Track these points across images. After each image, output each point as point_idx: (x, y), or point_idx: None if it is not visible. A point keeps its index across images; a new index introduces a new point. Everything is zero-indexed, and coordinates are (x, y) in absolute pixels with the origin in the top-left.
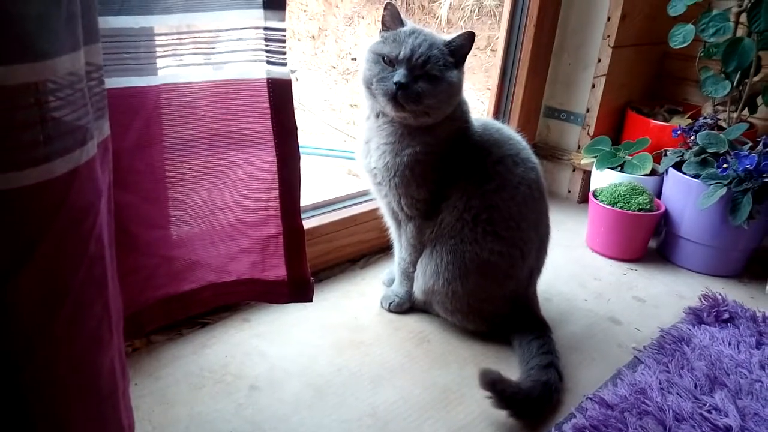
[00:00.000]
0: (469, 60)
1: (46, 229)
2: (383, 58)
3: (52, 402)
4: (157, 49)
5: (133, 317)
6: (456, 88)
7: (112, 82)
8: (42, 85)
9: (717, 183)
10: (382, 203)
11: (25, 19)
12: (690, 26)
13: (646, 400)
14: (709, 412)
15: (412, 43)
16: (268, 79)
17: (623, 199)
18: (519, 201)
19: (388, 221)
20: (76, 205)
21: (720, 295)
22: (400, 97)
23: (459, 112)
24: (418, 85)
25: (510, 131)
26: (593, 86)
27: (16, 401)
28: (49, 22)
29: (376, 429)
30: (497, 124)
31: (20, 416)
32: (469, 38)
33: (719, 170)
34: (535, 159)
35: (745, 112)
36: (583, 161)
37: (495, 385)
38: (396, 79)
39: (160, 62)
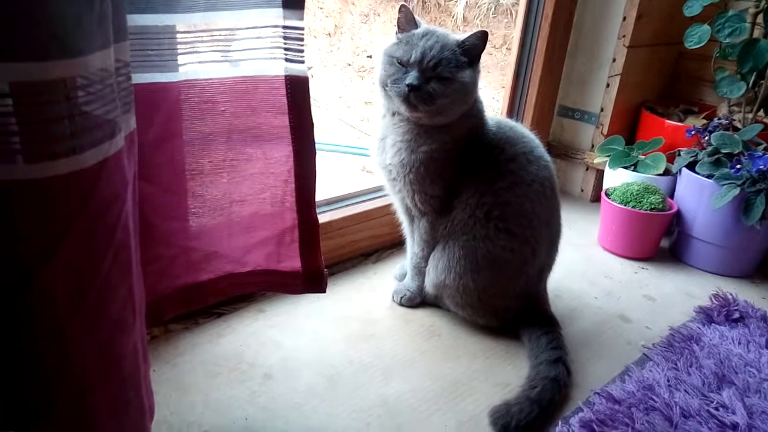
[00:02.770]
0: (485, 58)
1: (77, 217)
2: (396, 61)
3: (77, 384)
4: (179, 46)
5: (152, 306)
6: (469, 87)
7: (137, 78)
8: (72, 80)
9: (730, 183)
10: (395, 199)
11: (61, 19)
12: (706, 26)
13: (653, 396)
14: (716, 409)
15: (423, 45)
16: (286, 76)
17: (635, 199)
18: (531, 198)
19: (401, 217)
20: (104, 194)
21: (731, 294)
22: (412, 98)
23: (474, 111)
24: (430, 85)
25: (523, 129)
26: (608, 86)
27: (43, 384)
28: (83, 21)
29: (386, 419)
30: (510, 122)
31: (46, 398)
32: (482, 37)
33: (733, 171)
34: (547, 157)
35: (761, 113)
36: (597, 160)
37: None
38: (408, 81)
39: (181, 59)
